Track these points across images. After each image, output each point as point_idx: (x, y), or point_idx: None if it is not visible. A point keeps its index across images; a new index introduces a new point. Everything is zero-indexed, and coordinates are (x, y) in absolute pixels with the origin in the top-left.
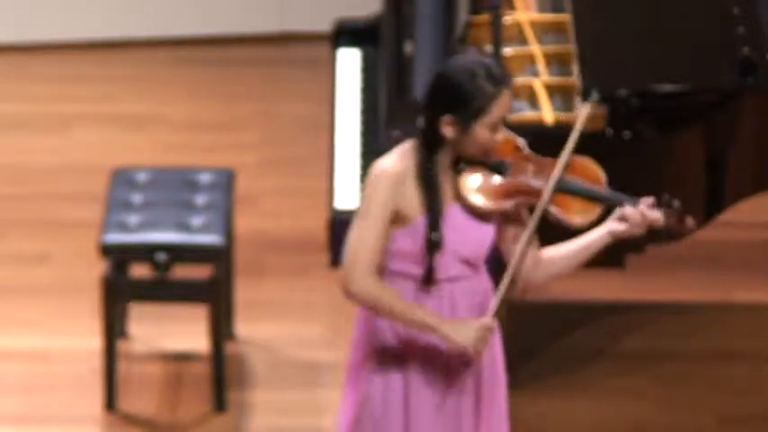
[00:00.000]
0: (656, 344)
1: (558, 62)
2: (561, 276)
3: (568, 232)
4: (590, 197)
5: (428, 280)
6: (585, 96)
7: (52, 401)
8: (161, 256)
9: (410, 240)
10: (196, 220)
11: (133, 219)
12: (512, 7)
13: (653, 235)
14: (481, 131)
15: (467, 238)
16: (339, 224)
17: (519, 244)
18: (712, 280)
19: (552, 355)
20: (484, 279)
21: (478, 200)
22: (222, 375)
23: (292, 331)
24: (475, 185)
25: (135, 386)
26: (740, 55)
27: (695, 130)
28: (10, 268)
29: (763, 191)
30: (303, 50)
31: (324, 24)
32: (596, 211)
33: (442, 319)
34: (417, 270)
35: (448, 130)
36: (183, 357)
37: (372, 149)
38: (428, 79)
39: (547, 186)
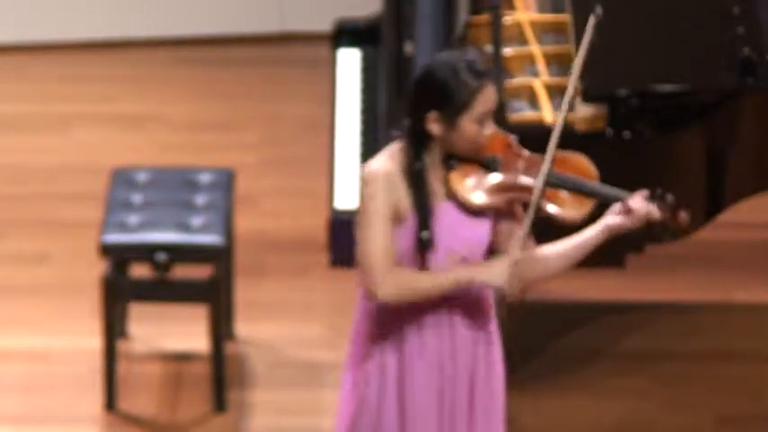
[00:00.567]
0: (656, 344)
1: (558, 62)
2: (558, 274)
3: (563, 230)
4: (583, 192)
5: None
6: (591, 11)
7: (52, 401)
8: (161, 256)
9: (404, 239)
10: (196, 220)
11: (133, 219)
12: (512, 7)
13: (650, 233)
14: (468, 126)
15: (460, 235)
16: (339, 224)
17: (520, 230)
18: (712, 280)
19: (552, 355)
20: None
21: (470, 196)
22: (222, 375)
23: (292, 331)
24: (466, 182)
25: (135, 386)
26: (740, 55)
27: (695, 130)
28: (10, 268)
29: (763, 191)
30: (303, 50)
31: (324, 24)
32: (589, 205)
33: (472, 269)
34: (413, 269)
35: (434, 127)
36: (183, 357)
37: (372, 149)
38: (413, 77)
39: (538, 180)
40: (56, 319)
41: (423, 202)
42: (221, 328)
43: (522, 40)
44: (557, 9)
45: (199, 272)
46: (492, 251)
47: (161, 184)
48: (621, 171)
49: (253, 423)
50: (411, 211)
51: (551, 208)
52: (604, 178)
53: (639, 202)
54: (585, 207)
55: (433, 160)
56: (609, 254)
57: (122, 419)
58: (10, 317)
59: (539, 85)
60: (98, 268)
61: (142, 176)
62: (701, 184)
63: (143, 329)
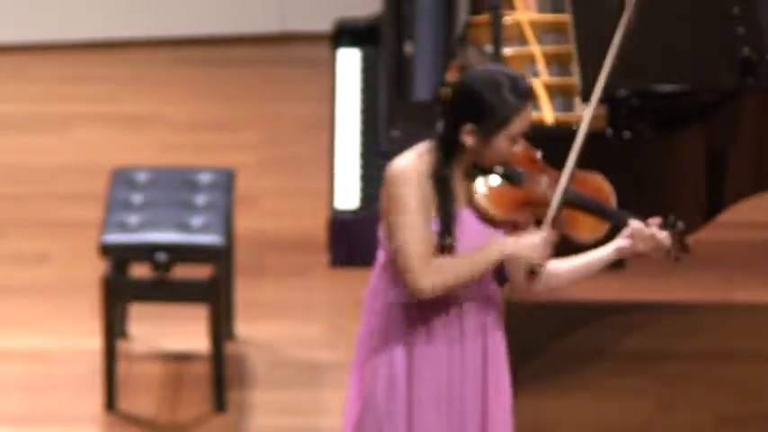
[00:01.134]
0: (656, 344)
1: (557, 62)
2: (560, 288)
3: (571, 248)
4: (599, 214)
5: None
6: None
7: (52, 401)
8: (161, 256)
9: None
10: (196, 220)
11: (133, 219)
12: (512, 7)
13: (655, 255)
14: (501, 143)
15: (476, 242)
16: (339, 224)
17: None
18: (712, 280)
19: (552, 354)
20: (493, 284)
21: (491, 207)
22: (222, 375)
23: (292, 331)
24: (489, 193)
25: (135, 386)
26: (740, 55)
27: (695, 130)
28: (10, 268)
29: (763, 191)
30: (303, 50)
31: (324, 24)
32: (604, 228)
33: (505, 245)
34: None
35: (468, 139)
36: (183, 357)
37: (372, 149)
38: (453, 86)
39: (555, 196)
40: (56, 319)
41: (447, 207)
42: (221, 328)
43: (523, 40)
44: (557, 9)
45: (199, 272)
46: (501, 266)
47: (161, 184)
48: (621, 171)
49: (253, 423)
50: (433, 213)
51: (567, 227)
52: (604, 178)
53: (652, 229)
54: (601, 230)
55: (458, 167)
56: None
57: (122, 419)
58: (10, 317)
59: (539, 85)
60: (98, 268)
61: (142, 176)
62: (701, 184)
63: (143, 329)
